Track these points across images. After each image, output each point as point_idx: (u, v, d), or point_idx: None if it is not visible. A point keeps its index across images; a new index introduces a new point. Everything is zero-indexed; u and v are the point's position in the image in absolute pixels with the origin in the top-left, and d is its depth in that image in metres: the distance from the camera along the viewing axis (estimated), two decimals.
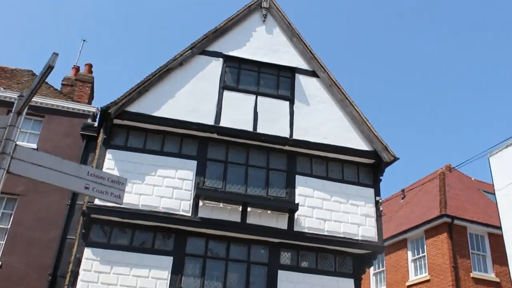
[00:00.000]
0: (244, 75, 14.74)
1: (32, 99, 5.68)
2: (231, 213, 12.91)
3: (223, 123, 13.74)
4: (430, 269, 19.98)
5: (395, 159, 14.17)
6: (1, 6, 54.50)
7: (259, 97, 14.41)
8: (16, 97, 5.10)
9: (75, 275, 11.92)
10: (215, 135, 13.69)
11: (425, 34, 64.36)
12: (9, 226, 14.32)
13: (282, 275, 12.81)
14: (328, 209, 13.53)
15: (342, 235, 13.33)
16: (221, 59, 14.65)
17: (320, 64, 15.04)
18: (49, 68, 4.58)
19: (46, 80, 5.39)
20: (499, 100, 62.24)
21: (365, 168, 14.45)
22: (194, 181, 13.08)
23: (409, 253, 21.51)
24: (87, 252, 12.06)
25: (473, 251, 20.03)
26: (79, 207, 14.27)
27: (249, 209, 12.99)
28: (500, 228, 16.10)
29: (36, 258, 13.87)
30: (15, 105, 4.98)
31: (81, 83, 18.53)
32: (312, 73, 15.08)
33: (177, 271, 12.26)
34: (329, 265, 13.30)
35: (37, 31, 62.84)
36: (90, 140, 15.47)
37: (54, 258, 13.93)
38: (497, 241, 19.35)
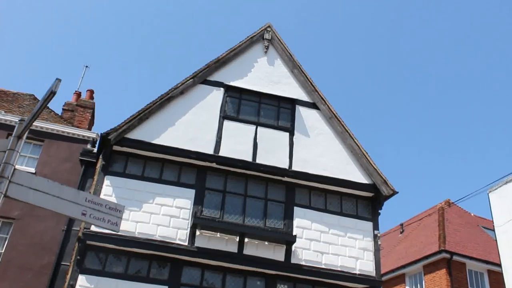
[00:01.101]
0: (244, 105, 14.81)
1: (33, 123, 5.68)
2: (228, 243, 12.79)
3: (223, 152, 13.74)
4: None
5: (394, 193, 14.13)
6: (5, 30, 55.18)
7: (259, 128, 14.45)
8: (17, 121, 5.11)
9: None
10: (214, 165, 13.68)
11: (425, 67, 65.04)
12: (3, 251, 14.15)
13: None
14: (326, 242, 13.42)
15: (339, 269, 13.18)
16: (222, 89, 14.75)
17: (321, 96, 15.13)
18: (51, 94, 4.60)
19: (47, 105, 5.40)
20: (500, 135, 62.48)
21: (364, 201, 14.39)
22: (191, 210, 13.01)
23: None
24: (81, 279, 11.90)
25: None
26: (75, 233, 14.14)
27: (246, 239, 12.88)
28: (499, 265, 15.95)
29: (29, 284, 13.66)
30: (15, 129, 4.97)
31: (82, 108, 18.58)
32: (313, 105, 15.16)
33: None
34: None
35: (39, 56, 63.47)
36: (89, 166, 15.43)
37: (47, 284, 13.70)
38: (497, 278, 19.16)
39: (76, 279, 11.91)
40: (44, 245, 14.23)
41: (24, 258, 13.95)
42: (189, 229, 12.76)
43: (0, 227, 14.55)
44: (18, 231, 14.34)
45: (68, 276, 12.56)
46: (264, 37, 15.69)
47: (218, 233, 12.78)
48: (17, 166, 4.86)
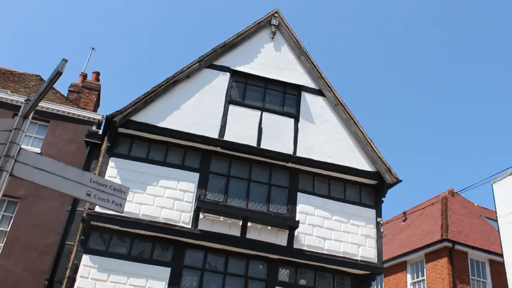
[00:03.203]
0: (250, 90, 14.80)
1: (39, 104, 5.71)
2: (231, 227, 12.87)
3: (227, 137, 13.77)
4: None
5: (398, 181, 14.14)
6: (12, 11, 55.09)
7: (264, 113, 14.45)
8: (23, 100, 5.13)
9: (72, 281, 11.89)
10: (218, 149, 13.71)
11: (433, 58, 64.58)
12: (8, 229, 14.30)
13: None
14: (329, 228, 13.48)
15: (341, 255, 13.26)
16: (228, 74, 14.72)
17: (327, 83, 15.09)
18: (57, 74, 4.61)
19: (53, 86, 5.42)
20: (505, 126, 62.16)
21: (367, 189, 14.42)
22: (195, 193, 13.08)
23: (409, 276, 21.33)
24: (85, 259, 12.03)
25: (473, 277, 19.85)
26: (80, 214, 14.25)
27: (249, 224, 12.96)
28: (501, 255, 15.98)
29: (33, 263, 13.81)
30: (21, 108, 5.00)
31: (87, 90, 18.60)
32: (318, 92, 15.13)
33: (174, 283, 12.19)
34: (327, 284, 13.20)
35: (47, 37, 63.41)
36: (94, 147, 15.49)
37: (52, 263, 13.86)
38: (498, 268, 19.21)
39: (80, 259, 12.04)
40: (49, 224, 14.36)
41: (29, 237, 14.09)
42: (192, 212, 12.84)
43: (6, 206, 14.68)
44: (23, 211, 14.47)
45: (72, 256, 12.69)
46: (272, 22, 15.61)
47: (222, 217, 12.86)
48: (22, 146, 4.88)
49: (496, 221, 16.44)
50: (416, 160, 64.23)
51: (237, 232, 12.88)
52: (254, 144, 13.86)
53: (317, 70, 15.26)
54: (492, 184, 16.43)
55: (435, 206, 23.75)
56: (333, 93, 15.01)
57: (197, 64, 14.38)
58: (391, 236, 24.65)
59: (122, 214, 11.62)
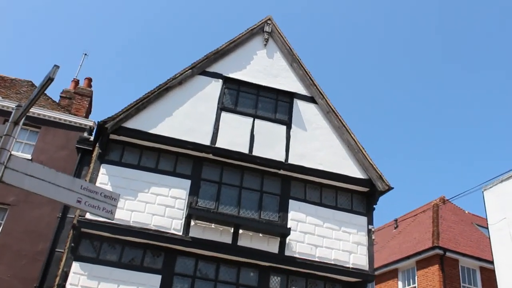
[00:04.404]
0: (242, 97, 14.82)
1: (30, 110, 5.68)
2: (222, 234, 12.84)
3: (219, 144, 13.76)
4: None
5: (390, 188, 14.18)
6: (4, 16, 54.92)
7: (256, 120, 14.46)
8: (14, 106, 5.11)
9: None
10: (210, 156, 13.70)
11: (425, 66, 65.04)
12: None
13: None
14: (320, 235, 13.48)
15: (333, 262, 13.26)
16: (220, 81, 14.74)
17: (319, 91, 15.14)
18: (49, 80, 4.60)
19: (45, 92, 5.40)
20: (496, 134, 62.62)
21: (359, 196, 14.45)
22: (187, 200, 13.05)
23: (400, 283, 21.36)
24: (75, 266, 11.95)
25: (464, 284, 19.91)
26: (70, 221, 14.16)
27: (240, 231, 12.93)
28: (492, 262, 16.04)
29: (22, 270, 13.69)
30: (12, 114, 4.98)
31: (79, 96, 18.54)
32: (311, 99, 15.17)
33: None
34: None
35: (39, 43, 63.19)
36: (85, 154, 15.41)
37: (41, 270, 13.73)
38: (489, 275, 19.27)
39: (70, 266, 11.96)
40: (39, 231, 14.25)
41: (19, 244, 13.97)
42: (184, 219, 12.80)
43: None
44: (13, 217, 14.35)
45: (62, 263, 12.60)
46: (264, 29, 15.66)
47: (213, 224, 12.82)
48: (13, 152, 4.86)
49: (487, 228, 16.51)
50: (407, 168, 64.51)
51: (228, 239, 12.84)
52: (246, 151, 13.86)
53: (310, 77, 15.31)
54: (483, 192, 16.51)
55: (427, 213, 23.83)
56: (325, 100, 15.06)
57: (190, 70, 14.39)
58: (383, 243, 24.69)
59: (113, 221, 11.53)
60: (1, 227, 14.32)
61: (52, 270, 13.66)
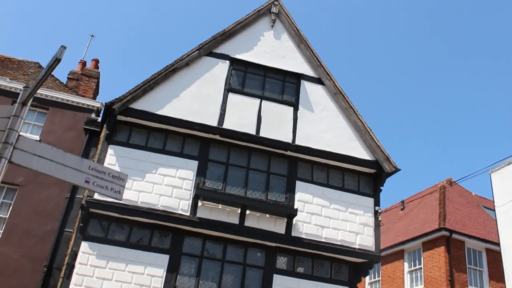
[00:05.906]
0: (249, 78, 14.76)
1: (38, 91, 5.70)
2: (229, 215, 12.91)
3: (226, 125, 13.76)
4: (426, 281, 19.95)
5: (396, 170, 14.16)
6: None
7: (263, 101, 14.43)
8: (21, 88, 5.11)
9: (70, 268, 11.96)
10: (217, 137, 13.71)
11: (433, 48, 64.36)
12: (7, 216, 14.34)
13: (277, 279, 12.80)
14: (327, 216, 13.52)
15: (339, 243, 13.31)
16: (227, 62, 14.68)
17: (326, 72, 15.06)
18: (56, 61, 4.59)
19: (52, 73, 5.41)
20: (503, 116, 62.16)
21: (365, 178, 14.44)
22: (194, 181, 13.10)
23: (406, 265, 21.47)
24: (84, 246, 12.08)
25: (470, 266, 19.99)
26: (78, 201, 14.30)
27: (247, 212, 12.99)
28: (498, 244, 16.07)
29: (32, 250, 13.88)
30: (20, 95, 4.99)
31: (87, 78, 18.57)
32: (318, 80, 15.10)
33: (172, 270, 12.26)
34: (325, 272, 13.28)
35: (46, 24, 63.06)
36: (93, 135, 15.51)
37: (51, 250, 13.94)
38: (494, 257, 19.32)
39: (79, 246, 12.09)
40: (48, 211, 14.41)
41: (28, 224, 14.14)
42: (191, 199, 12.87)
43: (5, 193, 14.71)
44: (22, 198, 14.51)
45: (71, 243, 12.75)
46: (272, 10, 15.53)
47: (220, 205, 12.89)
48: (21, 133, 4.88)
49: (494, 210, 16.52)
50: (414, 149, 64.32)
51: (235, 220, 12.92)
52: (253, 132, 13.86)
53: (317, 58, 15.21)
54: (490, 174, 16.48)
55: (433, 195, 23.83)
56: (333, 81, 14.98)
57: (197, 52, 14.33)
58: (389, 224, 24.76)
59: (121, 202, 11.65)
60: (10, 208, 14.48)
61: (61, 249, 13.85)
